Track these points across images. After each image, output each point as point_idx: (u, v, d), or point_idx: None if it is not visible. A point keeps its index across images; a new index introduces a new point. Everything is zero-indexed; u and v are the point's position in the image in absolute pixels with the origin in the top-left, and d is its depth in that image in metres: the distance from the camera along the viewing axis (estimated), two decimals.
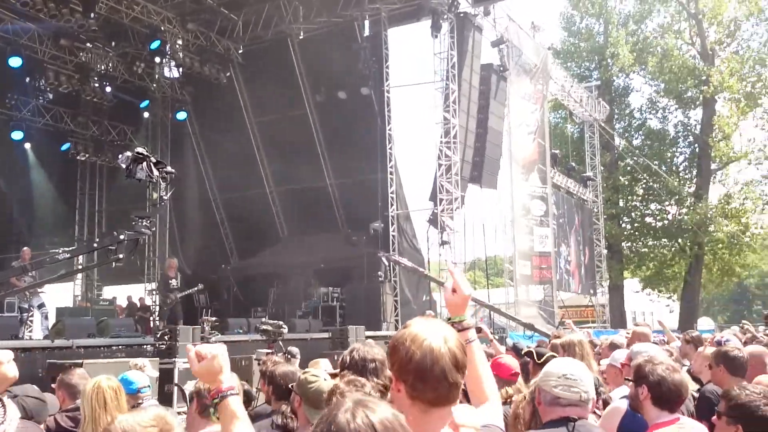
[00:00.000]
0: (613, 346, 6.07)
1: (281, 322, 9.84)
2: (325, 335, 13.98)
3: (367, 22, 19.79)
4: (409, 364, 1.91)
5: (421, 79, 20.15)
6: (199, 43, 19.71)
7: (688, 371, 5.54)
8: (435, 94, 18.79)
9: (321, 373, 3.61)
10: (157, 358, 9.02)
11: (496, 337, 9.17)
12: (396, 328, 16.50)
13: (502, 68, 21.04)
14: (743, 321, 14.11)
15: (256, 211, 20.72)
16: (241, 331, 14.05)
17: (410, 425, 1.79)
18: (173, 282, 15.57)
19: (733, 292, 65.44)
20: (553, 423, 2.92)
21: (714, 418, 3.06)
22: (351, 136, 19.16)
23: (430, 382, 1.86)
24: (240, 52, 20.69)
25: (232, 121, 20.79)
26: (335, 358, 6.13)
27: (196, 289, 15.10)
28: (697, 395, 4.76)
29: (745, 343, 7.21)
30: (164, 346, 9.22)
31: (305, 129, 20.10)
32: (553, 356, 4.95)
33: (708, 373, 5.14)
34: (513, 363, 4.71)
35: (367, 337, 12.80)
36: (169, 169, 11.33)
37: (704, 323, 36.22)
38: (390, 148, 18.58)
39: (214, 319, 10.54)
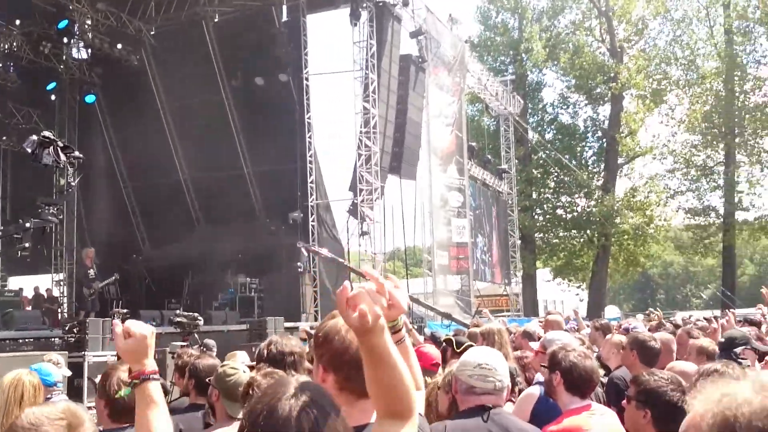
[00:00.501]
0: (527, 335, 6.18)
1: (196, 314, 9.59)
2: (243, 327, 13.72)
3: (284, 7, 19.40)
4: (345, 354, 1.88)
5: (340, 67, 20.15)
6: (109, 24, 18.82)
7: (598, 357, 5.70)
8: (354, 84, 18.73)
9: (239, 366, 3.52)
10: (66, 352, 8.58)
11: (415, 327, 9.21)
12: (316, 319, 16.37)
13: (420, 59, 21.17)
14: (650, 309, 14.81)
15: (169, 199, 20.04)
16: (154, 323, 13.51)
17: None
18: (91, 272, 15.09)
19: (637, 281, 68.84)
20: (469, 412, 2.96)
21: (624, 402, 3.11)
22: (269, 124, 18.77)
23: (361, 373, 1.77)
24: (152, 33, 19.88)
25: (143, 106, 19.96)
26: (253, 350, 5.97)
27: (113, 278, 14.57)
28: (605, 381, 4.90)
29: (650, 330, 7.53)
30: (73, 339, 8.78)
31: (221, 115, 19.55)
32: (471, 345, 4.99)
33: (615, 359, 5.33)
34: (435, 353, 4.75)
35: (286, 329, 12.64)
36: (77, 154, 10.76)
37: (611, 311, 37.95)
38: (309, 137, 18.35)
39: (125, 311, 10.16)
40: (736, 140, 32.09)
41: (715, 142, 33.07)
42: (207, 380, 3.66)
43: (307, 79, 18.55)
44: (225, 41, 19.41)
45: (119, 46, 18.83)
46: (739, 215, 33.02)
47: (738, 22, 32.43)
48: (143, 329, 2.11)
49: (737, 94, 32.11)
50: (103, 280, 14.79)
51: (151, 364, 2.10)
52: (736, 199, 32.56)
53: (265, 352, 3.30)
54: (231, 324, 14.68)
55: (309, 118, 18.45)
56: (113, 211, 20.52)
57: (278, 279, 17.69)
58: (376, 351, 1.56)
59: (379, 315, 1.53)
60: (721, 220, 32.99)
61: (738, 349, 4.64)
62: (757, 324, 10.19)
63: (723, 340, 4.87)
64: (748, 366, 4.52)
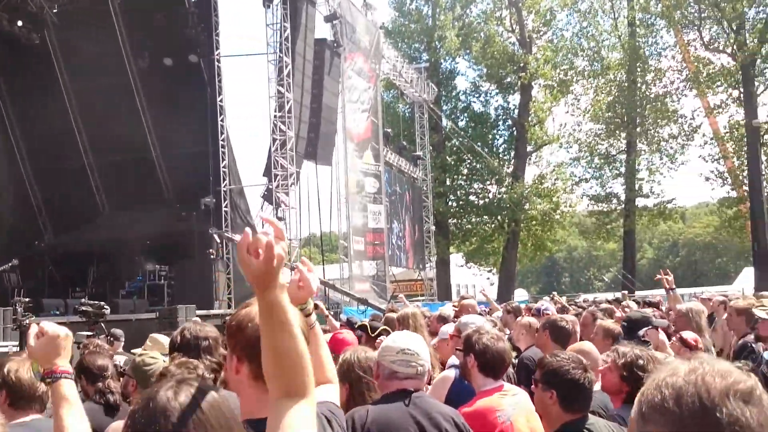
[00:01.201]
0: (441, 319, 6.26)
1: (102, 303, 9.20)
2: (152, 316, 13.29)
3: None
4: (260, 342, 1.80)
5: (254, 49, 19.71)
6: (9, 0, 17.67)
7: (509, 339, 5.85)
8: (268, 67, 18.42)
9: (159, 355, 3.41)
10: None
11: (331, 313, 9.19)
12: (229, 307, 16.08)
13: (335, 44, 21.05)
14: (553, 293, 15.42)
15: (72, 184, 19.13)
16: (57, 312, 12.98)
17: (250, 407, 1.81)
18: None
19: (544, 265, 71.40)
20: (391, 396, 2.98)
21: (532, 386, 3.20)
22: (179, 106, 18.15)
23: None
24: (55, 11, 18.81)
25: (45, 86, 18.91)
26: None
27: (10, 264, 13.74)
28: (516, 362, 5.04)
29: (557, 312, 7.81)
30: None
31: (127, 96, 18.77)
32: (386, 330, 5.03)
33: (525, 340, 5.49)
34: (351, 338, 4.77)
35: (198, 317, 12.33)
36: None
37: (520, 294, 39.19)
38: (221, 120, 17.93)
39: (27, 300, 9.61)
40: (637, 129, 33.64)
41: (617, 132, 34.56)
42: (122, 369, 3.53)
43: (218, 61, 18.09)
44: (132, 21, 18.64)
45: (19, 23, 17.75)
46: (639, 201, 34.70)
47: (641, 15, 33.92)
48: (57, 329, 2.11)
49: (639, 85, 33.63)
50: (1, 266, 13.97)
51: (63, 364, 2.09)
52: (637, 186, 34.19)
53: (179, 338, 3.19)
54: (140, 313, 14.22)
55: (221, 101, 18.01)
56: (13, 197, 19.41)
57: (190, 266, 17.24)
58: (275, 310, 1.52)
59: (283, 257, 1.50)
60: (623, 206, 34.54)
61: (641, 331, 4.83)
62: (656, 305, 10.77)
63: (625, 323, 5.06)
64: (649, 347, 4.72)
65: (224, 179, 17.65)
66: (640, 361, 3.39)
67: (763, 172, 29.57)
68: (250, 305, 1.92)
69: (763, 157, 30.16)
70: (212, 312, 14.53)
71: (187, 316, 12.32)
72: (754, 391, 1.11)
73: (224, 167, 17.75)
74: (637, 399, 1.19)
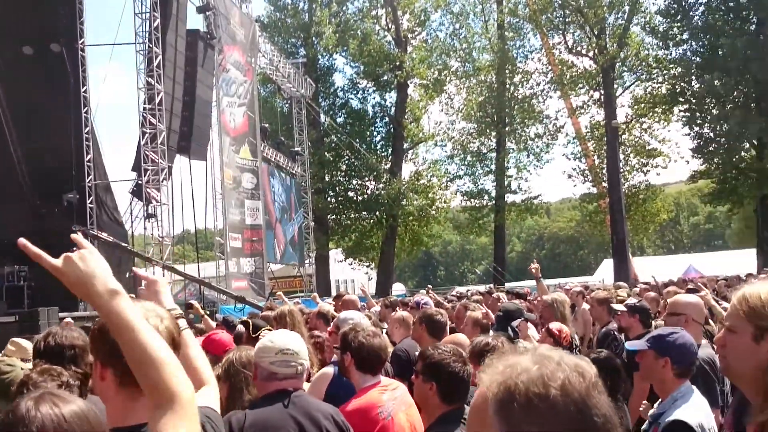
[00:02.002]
0: (322, 315, 6.27)
1: None
2: (11, 319, 12.39)
3: None
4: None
5: (122, 39, 18.78)
6: None
7: (386, 333, 5.95)
8: (137, 57, 17.66)
9: (17, 362, 3.20)
10: None
11: (207, 312, 8.94)
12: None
13: (209, 36, 20.49)
14: (428, 286, 15.85)
15: None
16: None
17: (116, 415, 1.77)
18: None
19: (420, 259, 73.18)
20: (270, 398, 2.95)
21: (413, 377, 3.25)
22: (39, 97, 16.96)
23: None
24: None
25: None
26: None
27: None
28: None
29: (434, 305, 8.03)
30: None
31: None
32: (269, 328, 4.96)
33: (398, 333, 5.63)
34: (227, 339, 4.63)
35: (61, 319, 11.63)
36: None
37: (398, 288, 39.98)
38: (85, 112, 16.99)
39: None
40: (506, 129, 35.22)
41: (488, 131, 36.00)
42: None
43: (82, 50, 17.16)
44: None
45: None
46: (509, 198, 36.36)
47: (509, 18, 35.53)
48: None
49: (508, 86, 35.21)
50: None
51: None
52: (506, 183, 35.84)
53: (42, 345, 3.02)
54: None
55: (85, 91, 17.09)
56: None
57: None
58: (111, 318, 1.48)
59: (58, 266, 1.48)
60: (493, 202, 36.08)
61: (515, 322, 5.05)
62: (524, 296, 11.35)
63: (501, 312, 5.27)
64: (520, 338, 4.94)
65: (89, 174, 16.72)
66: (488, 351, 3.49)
67: (621, 170, 31.86)
68: None
69: (621, 156, 32.48)
70: (77, 314, 13.71)
71: (49, 319, 11.63)
72: (596, 377, 1.17)
73: (89, 161, 16.81)
74: (495, 406, 1.18)
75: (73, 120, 16.63)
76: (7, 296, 15.57)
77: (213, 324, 7.37)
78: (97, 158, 17.37)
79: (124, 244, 15.97)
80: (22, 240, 1.52)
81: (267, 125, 26.19)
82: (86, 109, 17.02)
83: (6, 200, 17.00)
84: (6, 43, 17.25)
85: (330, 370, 4.00)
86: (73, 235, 1.57)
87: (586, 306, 7.70)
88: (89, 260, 1.50)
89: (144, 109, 17.19)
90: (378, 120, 37.95)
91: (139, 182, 17.06)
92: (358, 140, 34.25)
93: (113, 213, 17.98)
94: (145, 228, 17.46)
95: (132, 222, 17.94)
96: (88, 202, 16.61)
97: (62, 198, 16.50)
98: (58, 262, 1.48)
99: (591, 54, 32.45)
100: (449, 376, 3.02)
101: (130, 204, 18.09)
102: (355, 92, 38.07)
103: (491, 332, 5.18)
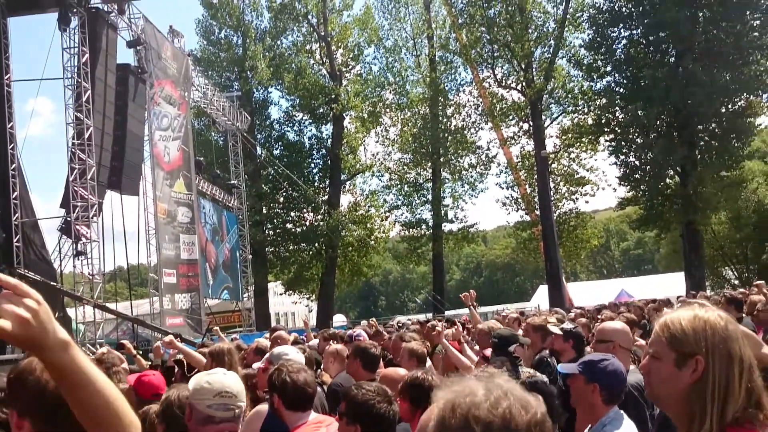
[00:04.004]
0: (259, 351, 6.18)
1: None
2: None
3: None
4: (42, 396, 1.70)
5: (49, 74, 18.33)
6: None
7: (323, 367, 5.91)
8: (65, 92, 17.30)
9: None
10: None
11: (140, 352, 8.71)
12: (23, 352, 14.64)
13: (140, 70, 20.30)
14: (372, 318, 15.88)
15: None
16: None
17: None
18: None
19: (361, 289, 73.02)
20: None
21: (336, 418, 3.23)
22: None
23: (64, 417, 1.56)
24: None
25: None
26: None
27: None
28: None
29: (371, 337, 8.06)
30: None
31: None
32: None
33: (334, 367, 5.57)
34: (158, 381, 4.35)
35: None
36: None
37: (338, 319, 39.73)
38: (11, 149, 16.47)
39: None
40: (441, 159, 35.82)
41: (423, 161, 36.53)
42: None
43: (8, 86, 16.74)
44: None
45: None
46: (446, 226, 36.85)
47: (440, 52, 36.41)
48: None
49: (441, 118, 35.89)
50: None
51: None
52: (442, 212, 36.33)
53: None
54: None
55: (12, 128, 16.63)
56: None
57: None
58: (66, 372, 1.35)
59: (24, 318, 1.27)
60: (431, 231, 36.50)
61: (512, 347, 5.03)
62: (462, 325, 11.45)
63: (496, 339, 5.20)
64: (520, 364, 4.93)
65: (15, 212, 16.17)
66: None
67: (552, 198, 32.74)
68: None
69: (552, 184, 33.41)
70: (3, 357, 13.15)
71: None
72: (546, 420, 1.20)
73: (15, 199, 16.28)
74: (435, 422, 1.20)
75: None
76: None
77: (145, 364, 7.21)
78: (24, 195, 16.83)
79: (52, 283, 15.44)
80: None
81: (202, 159, 25.92)
82: (12, 145, 16.52)
83: None
84: None
85: (264, 407, 3.90)
86: (1, 276, 1.34)
87: (520, 332, 7.84)
88: (40, 314, 1.30)
89: (73, 144, 16.79)
90: (315, 152, 38.02)
91: (68, 219, 16.58)
92: (295, 172, 34.19)
93: (41, 251, 17.38)
94: (74, 266, 16.93)
95: (61, 260, 17.38)
96: (15, 240, 16.04)
97: None
98: (6, 325, 1.26)
99: (519, 87, 33.48)
100: (375, 417, 2.98)
101: (59, 242, 17.55)
102: (291, 125, 38.11)
103: (429, 363, 5.21)
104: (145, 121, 20.65)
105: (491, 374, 1.25)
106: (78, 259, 16.67)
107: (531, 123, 33.36)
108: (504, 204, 35.79)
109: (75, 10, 16.98)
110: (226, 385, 2.86)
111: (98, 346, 14.90)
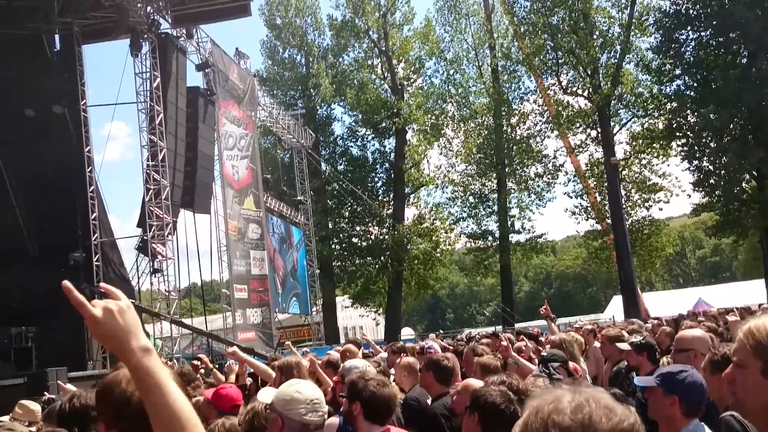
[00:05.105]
0: (330, 364, 6.21)
1: None
2: (20, 381, 12.34)
3: (57, 36, 18.19)
4: (127, 408, 1.78)
5: (123, 98, 19.20)
6: None
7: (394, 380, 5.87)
8: (139, 116, 18.01)
9: (17, 427, 3.18)
10: None
11: (216, 366, 8.92)
12: (104, 366, 15.20)
13: (209, 92, 20.91)
14: (439, 330, 15.77)
15: None
16: None
17: None
18: None
19: (428, 302, 72.75)
20: None
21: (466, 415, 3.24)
22: (42, 158, 17.20)
23: (148, 426, 1.62)
24: None
25: None
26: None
27: None
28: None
29: (443, 349, 7.97)
30: None
31: None
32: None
33: (408, 381, 5.49)
34: (236, 394, 4.51)
35: (71, 379, 11.60)
36: None
37: (407, 333, 39.68)
38: (89, 172, 17.21)
39: None
40: (506, 170, 35.44)
41: (488, 172, 36.21)
42: None
43: (85, 111, 17.51)
44: None
45: None
46: (513, 237, 36.36)
47: (503, 62, 36.10)
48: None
49: (505, 128, 35.56)
50: None
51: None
52: (509, 223, 35.87)
53: (68, 407, 2.98)
54: (5, 379, 13.12)
55: (89, 151, 17.36)
56: None
57: (59, 326, 16.12)
58: (146, 376, 1.44)
59: (101, 319, 1.43)
60: (498, 242, 36.07)
61: (555, 365, 4.95)
62: (534, 337, 11.25)
63: (545, 354, 5.13)
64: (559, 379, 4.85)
65: (95, 232, 16.87)
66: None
67: (624, 206, 31.91)
68: (120, 367, 1.83)
69: (623, 192, 32.57)
70: (86, 373, 13.68)
71: (57, 380, 11.58)
72: (635, 428, 1.15)
73: (94, 220, 16.98)
74: (519, 426, 1.20)
75: (77, 180, 16.85)
76: (15, 358, 15.52)
77: (221, 377, 7.36)
78: (102, 216, 17.53)
79: (133, 300, 15.98)
80: (66, 283, 1.45)
81: (269, 176, 26.46)
82: (90, 168, 17.26)
83: (12, 263, 17.06)
84: (8, 106, 17.58)
85: (336, 420, 3.96)
86: (103, 285, 1.54)
87: (597, 344, 7.62)
88: (127, 315, 1.46)
89: (147, 165, 17.42)
90: (378, 166, 38.29)
91: (145, 238, 17.18)
92: (359, 187, 34.49)
93: (119, 269, 18.06)
94: (151, 283, 17.51)
95: (138, 278, 18.01)
96: (95, 260, 16.71)
97: (68, 257, 16.60)
98: (97, 312, 1.43)
99: (586, 93, 32.86)
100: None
101: (137, 260, 18.21)
102: (354, 140, 38.55)
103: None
104: (215, 141, 21.25)
105: (582, 384, 1.25)
106: (155, 276, 17.24)
107: (599, 129, 32.67)
108: (573, 213, 35.07)
109: (146, 36, 17.66)
110: (313, 393, 2.99)
111: (175, 361, 15.35)
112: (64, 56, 17.80)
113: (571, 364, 5.05)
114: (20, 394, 10.53)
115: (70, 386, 7.89)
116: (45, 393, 8.55)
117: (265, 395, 3.24)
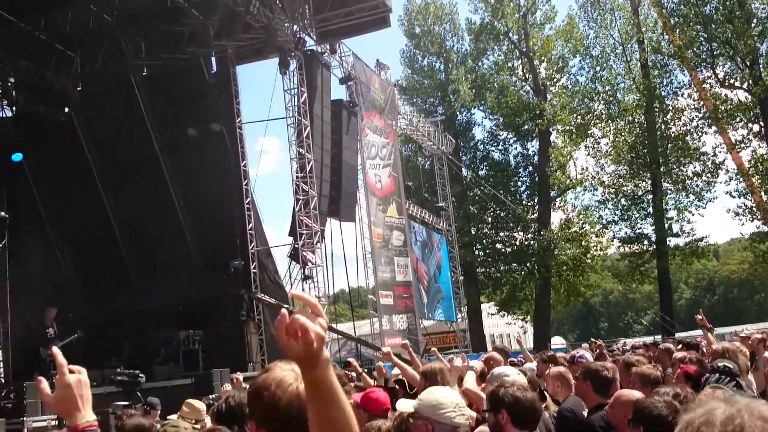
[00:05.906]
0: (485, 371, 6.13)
1: (138, 371, 9.29)
2: (188, 381, 13.31)
3: (213, 59, 19.57)
4: (275, 410, 1.84)
5: (273, 114, 20.29)
6: (33, 81, 18.45)
7: (544, 390, 5.68)
8: (288, 130, 18.87)
9: (181, 423, 3.43)
10: (3, 419, 8.14)
11: (365, 370, 9.12)
12: (263, 368, 16.05)
13: (352, 104, 21.52)
14: (591, 339, 15.08)
15: (102, 255, 19.45)
16: (95, 383, 12.98)
17: None
18: (50, 332, 14.87)
19: (579, 310, 70.22)
20: None
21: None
22: (204, 173, 18.59)
23: (294, 427, 1.76)
24: (78, 89, 19.57)
25: (71, 162, 19.46)
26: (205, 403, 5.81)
27: (76, 336, 13.98)
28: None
29: (594, 359, 7.63)
30: (11, 405, 8.37)
31: (153, 167, 19.21)
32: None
33: (562, 392, 5.28)
34: (384, 397, 4.51)
35: (233, 380, 12.31)
36: (2, 214, 10.42)
37: (557, 342, 38.47)
38: (245, 184, 18.29)
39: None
40: (661, 169, 33.34)
41: (641, 172, 34.22)
42: None
43: (240, 128, 18.61)
44: (154, 94, 19.27)
45: (44, 103, 18.48)
46: (671, 241, 34.10)
47: (653, 56, 34.14)
48: (66, 378, 1.84)
49: (658, 125, 33.55)
50: (63, 339, 14.16)
51: (87, 415, 1.84)
52: (666, 226, 33.69)
53: (224, 406, 3.19)
54: (175, 379, 14.24)
55: (245, 165, 18.44)
56: (45, 270, 19.72)
57: (222, 329, 17.30)
58: (322, 386, 1.47)
59: (323, 336, 1.45)
60: (654, 246, 33.98)
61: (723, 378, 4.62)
62: (695, 347, 10.49)
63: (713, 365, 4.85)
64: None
65: (251, 241, 17.90)
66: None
67: None
68: (271, 370, 1.94)
69: None
70: (247, 374, 14.49)
71: (222, 380, 12.34)
72: None
73: (251, 230, 18.01)
74: (678, 429, 1.17)
75: (235, 193, 18.00)
76: (184, 359, 16.79)
77: (371, 381, 7.50)
78: (258, 226, 18.55)
79: (286, 306, 16.60)
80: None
81: (410, 183, 26.78)
82: (246, 181, 18.34)
83: (179, 271, 18.57)
84: (173, 126, 19.14)
85: (485, 429, 3.90)
86: (293, 292, 1.65)
87: (767, 354, 6.96)
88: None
89: (297, 177, 18.20)
90: (521, 169, 37.58)
91: (296, 246, 17.95)
92: (502, 192, 34.01)
93: (274, 276, 19.01)
94: (303, 289, 18.24)
95: (291, 284, 18.84)
96: (252, 267, 17.70)
97: (229, 265, 17.75)
98: (319, 332, 1.45)
99: (745, 85, 30.33)
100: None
101: (289, 267, 19.07)
102: (495, 144, 38.12)
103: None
104: (358, 151, 21.85)
105: (737, 395, 1.21)
106: (306, 282, 17.96)
107: (762, 124, 30.03)
108: (737, 214, 32.33)
109: (293, 54, 18.48)
110: (456, 398, 3.10)
111: None
112: (220, 77, 19.09)
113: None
114: (189, 393, 11.37)
115: (227, 386, 8.40)
116: (214, 392, 9.12)
117: (404, 405, 3.30)
